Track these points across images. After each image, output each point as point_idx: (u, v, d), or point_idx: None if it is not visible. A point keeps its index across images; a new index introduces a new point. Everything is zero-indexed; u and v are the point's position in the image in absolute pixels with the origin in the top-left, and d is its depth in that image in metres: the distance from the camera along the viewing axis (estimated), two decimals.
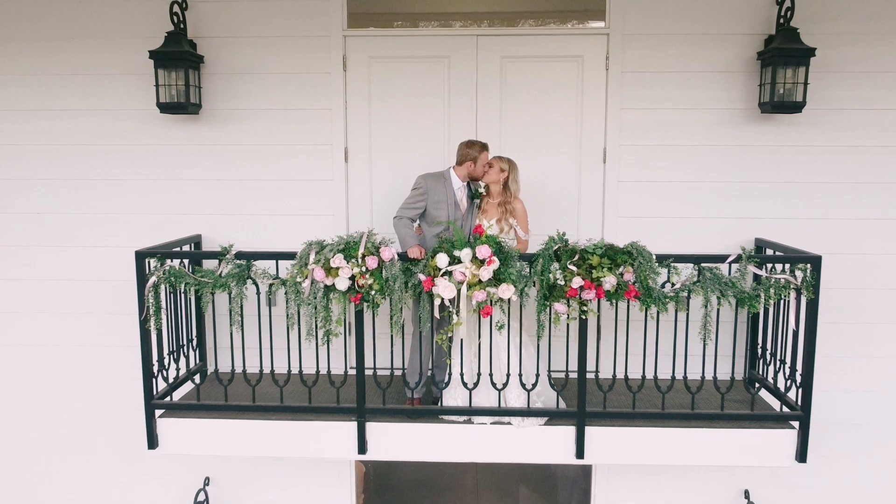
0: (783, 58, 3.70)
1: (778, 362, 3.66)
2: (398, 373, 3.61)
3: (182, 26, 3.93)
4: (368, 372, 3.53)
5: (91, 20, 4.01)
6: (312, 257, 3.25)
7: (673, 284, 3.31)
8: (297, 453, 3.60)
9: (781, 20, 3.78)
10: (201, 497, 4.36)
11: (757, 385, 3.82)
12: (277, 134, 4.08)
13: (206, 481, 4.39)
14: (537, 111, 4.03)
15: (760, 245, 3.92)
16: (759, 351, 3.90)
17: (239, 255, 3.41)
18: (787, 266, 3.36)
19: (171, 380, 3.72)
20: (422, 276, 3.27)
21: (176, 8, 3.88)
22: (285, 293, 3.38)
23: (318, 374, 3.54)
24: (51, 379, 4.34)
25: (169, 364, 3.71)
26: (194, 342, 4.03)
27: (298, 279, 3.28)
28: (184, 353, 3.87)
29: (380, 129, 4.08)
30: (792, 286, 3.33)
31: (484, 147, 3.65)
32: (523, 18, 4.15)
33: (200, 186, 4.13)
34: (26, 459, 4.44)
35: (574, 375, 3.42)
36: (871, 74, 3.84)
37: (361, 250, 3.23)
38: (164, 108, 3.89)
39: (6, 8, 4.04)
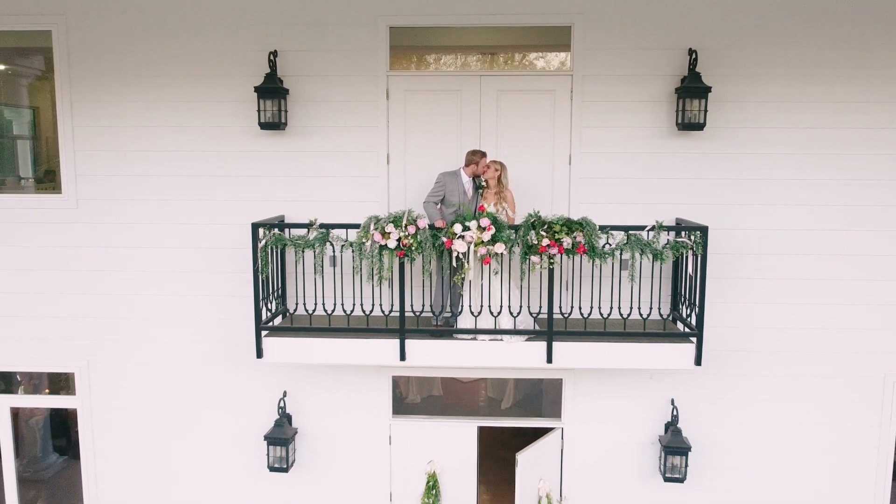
0: (690, 93, 5.39)
1: (686, 301, 5.36)
2: (426, 314, 5.32)
3: (274, 68, 5.63)
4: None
5: (210, 63, 5.70)
6: (373, 226, 4.95)
7: (610, 245, 5.01)
8: (358, 361, 5.29)
9: (690, 66, 5.48)
10: (281, 404, 6.05)
11: (676, 320, 5.53)
12: (339, 143, 5.77)
13: (284, 394, 6.08)
14: (523, 128, 5.71)
15: (679, 222, 5.59)
16: (678, 297, 5.59)
17: (322, 226, 5.11)
18: (684, 234, 5.07)
19: (268, 313, 5.42)
20: (444, 239, 4.96)
21: (271, 56, 5.59)
22: (352, 251, 5.08)
23: (373, 308, 5.25)
24: (176, 318, 6.03)
25: (267, 303, 5.41)
26: (279, 291, 5.72)
27: (364, 240, 4.97)
28: (274, 298, 5.57)
29: (412, 140, 5.77)
30: (689, 246, 5.04)
31: (483, 154, 5.35)
32: (513, 50, 5.84)
33: (284, 181, 5.82)
34: (157, 371, 6.11)
35: (545, 309, 5.13)
36: (751, 104, 5.53)
37: (405, 221, 4.93)
38: (263, 126, 5.60)
39: (151, 54, 5.73)
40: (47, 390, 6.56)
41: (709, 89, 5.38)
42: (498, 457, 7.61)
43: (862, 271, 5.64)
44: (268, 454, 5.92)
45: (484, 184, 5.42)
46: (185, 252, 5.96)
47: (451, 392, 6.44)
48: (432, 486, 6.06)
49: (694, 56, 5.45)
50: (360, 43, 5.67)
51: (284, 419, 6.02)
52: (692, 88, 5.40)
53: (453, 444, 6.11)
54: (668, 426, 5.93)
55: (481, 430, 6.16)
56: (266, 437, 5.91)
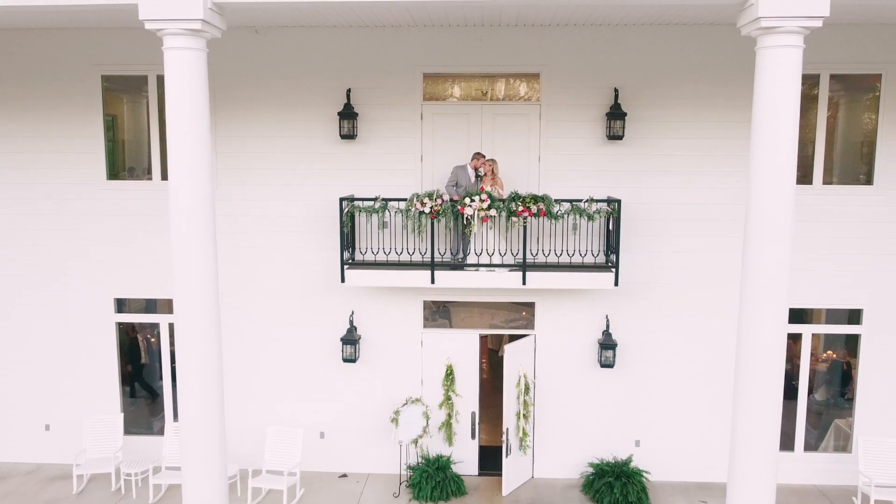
0: (614, 116, 8.52)
1: (611, 248, 8.51)
2: (447, 257, 8.49)
3: (349, 99, 8.77)
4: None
5: (307, 96, 8.85)
6: (415, 199, 8.10)
7: (561, 211, 8.16)
8: (404, 284, 8.43)
9: (615, 98, 8.60)
10: (351, 318, 9.18)
11: (607, 261, 8.70)
12: (388, 147, 8.90)
13: (352, 312, 9.23)
14: (509, 138, 8.84)
15: (609, 198, 8.71)
16: (608, 246, 8.73)
17: (383, 199, 8.27)
18: (608, 204, 8.24)
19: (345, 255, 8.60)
20: (459, 207, 8.11)
21: (347, 91, 8.74)
22: (401, 215, 8.23)
23: (414, 252, 8.41)
24: (281, 262, 9.19)
25: (346, 249, 8.57)
26: (351, 242, 8.86)
27: (410, 208, 8.13)
28: (348, 247, 8.72)
29: (438, 146, 8.90)
30: (610, 213, 8.20)
31: (482, 155, 8.49)
32: (505, 77, 8.93)
33: (354, 172, 8.95)
34: (272, 298, 9.29)
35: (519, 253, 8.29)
36: (655, 122, 8.65)
37: (435, 196, 8.08)
38: (342, 137, 8.75)
39: (267, 89, 8.89)
40: None
41: (626, 114, 8.53)
42: (492, 358, 10.77)
43: (723, 232, 8.79)
44: (342, 350, 9.07)
45: (481, 174, 8.56)
46: (286, 218, 9.11)
47: None
48: (449, 374, 9.22)
49: (617, 92, 8.59)
50: (404, 83, 8.81)
51: (353, 328, 9.18)
52: (615, 113, 8.55)
53: (463, 346, 9.26)
54: (603, 332, 9.06)
55: (482, 336, 9.33)
56: (341, 339, 9.07)
